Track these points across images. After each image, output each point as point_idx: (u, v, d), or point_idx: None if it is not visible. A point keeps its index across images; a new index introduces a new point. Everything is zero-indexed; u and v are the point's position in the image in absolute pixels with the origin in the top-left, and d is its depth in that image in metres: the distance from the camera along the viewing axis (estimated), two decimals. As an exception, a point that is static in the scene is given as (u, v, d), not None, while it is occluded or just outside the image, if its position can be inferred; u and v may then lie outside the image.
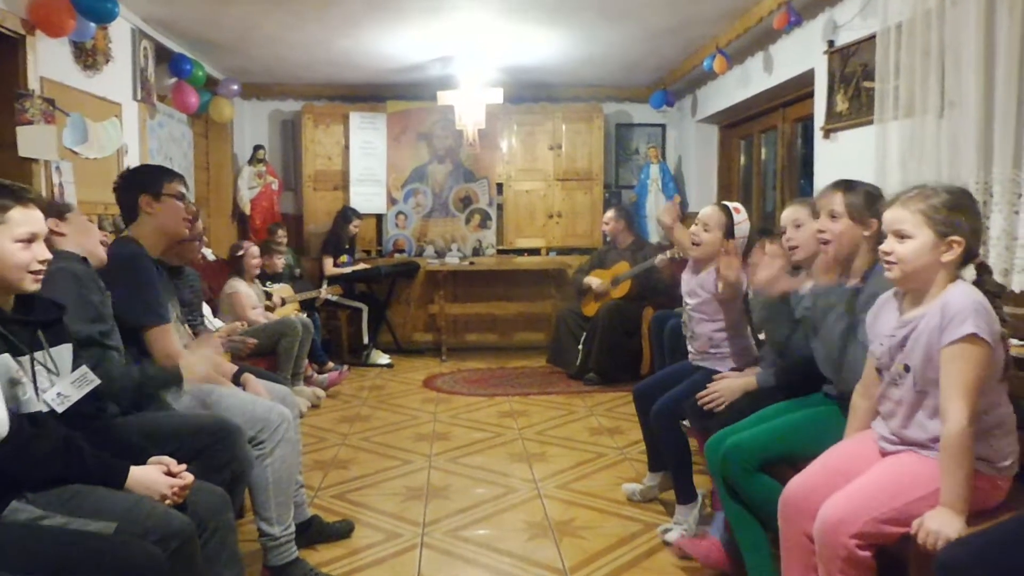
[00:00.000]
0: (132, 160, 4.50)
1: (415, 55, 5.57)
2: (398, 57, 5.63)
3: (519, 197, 6.91)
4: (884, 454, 1.93)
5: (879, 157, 3.17)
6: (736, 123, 6.11)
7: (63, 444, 1.68)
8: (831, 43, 3.96)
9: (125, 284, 2.30)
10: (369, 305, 6.20)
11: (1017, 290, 2.53)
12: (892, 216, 1.82)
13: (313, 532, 2.75)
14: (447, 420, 4.50)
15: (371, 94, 6.73)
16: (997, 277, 2.54)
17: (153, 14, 4.53)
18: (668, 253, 5.00)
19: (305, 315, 5.20)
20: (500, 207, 6.91)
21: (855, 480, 1.84)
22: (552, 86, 6.73)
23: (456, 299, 6.64)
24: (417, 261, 6.60)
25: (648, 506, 3.13)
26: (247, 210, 6.40)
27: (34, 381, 1.71)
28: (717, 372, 2.86)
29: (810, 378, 2.33)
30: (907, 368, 1.81)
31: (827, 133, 4.03)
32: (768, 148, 5.71)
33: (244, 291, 4.71)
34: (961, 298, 1.72)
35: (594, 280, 5.57)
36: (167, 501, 1.74)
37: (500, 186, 6.89)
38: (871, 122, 3.38)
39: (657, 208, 6.51)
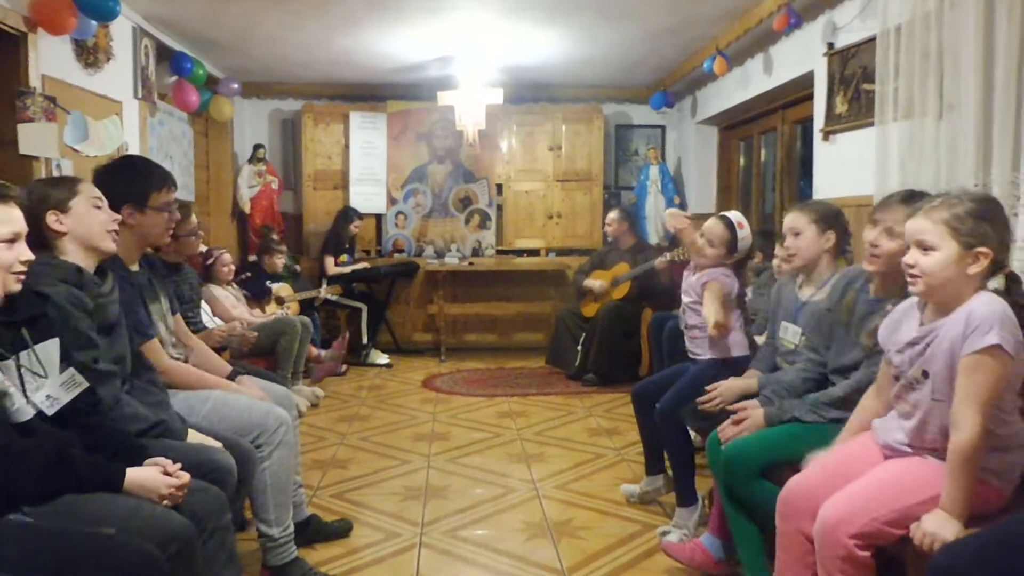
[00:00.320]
0: (132, 159, 4.50)
1: (415, 55, 5.58)
2: (398, 57, 5.63)
3: (519, 198, 6.91)
4: (887, 457, 1.93)
5: (879, 159, 3.17)
6: (736, 124, 6.12)
7: (55, 455, 1.65)
8: (831, 45, 3.97)
9: None
10: (368, 305, 6.20)
11: (998, 288, 2.52)
12: (914, 226, 1.75)
13: (311, 531, 2.75)
14: (446, 420, 4.50)
15: (371, 94, 6.74)
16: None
17: (154, 12, 4.53)
18: (668, 255, 5.03)
19: (301, 314, 5.21)
20: (500, 207, 6.91)
21: (856, 481, 1.84)
22: (552, 87, 6.74)
23: (455, 299, 6.65)
24: (416, 261, 6.60)
25: (646, 507, 3.14)
26: (247, 209, 6.40)
27: (22, 387, 1.68)
28: (712, 359, 2.90)
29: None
30: (925, 374, 1.78)
31: (827, 135, 4.04)
32: (768, 150, 5.72)
33: (220, 295, 4.71)
34: (985, 307, 1.67)
35: (594, 283, 5.57)
36: (165, 501, 1.73)
37: (500, 187, 6.90)
38: (871, 124, 3.39)
39: (656, 209, 6.54)
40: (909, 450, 1.87)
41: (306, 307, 5.57)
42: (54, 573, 1.49)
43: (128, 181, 2.32)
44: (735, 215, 2.98)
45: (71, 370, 1.76)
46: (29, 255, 1.72)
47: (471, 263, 6.59)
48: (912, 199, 2.01)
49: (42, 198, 2.01)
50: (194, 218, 3.37)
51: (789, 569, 1.95)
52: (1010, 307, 1.69)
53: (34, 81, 3.49)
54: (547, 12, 4.55)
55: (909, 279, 1.77)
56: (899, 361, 1.86)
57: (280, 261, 5.52)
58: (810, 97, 4.33)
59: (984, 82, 2.64)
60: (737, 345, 2.94)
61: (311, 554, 2.66)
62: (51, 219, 2.00)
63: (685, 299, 3.04)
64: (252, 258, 6.10)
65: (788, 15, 4.06)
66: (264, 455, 2.37)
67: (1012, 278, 1.84)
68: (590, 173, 6.90)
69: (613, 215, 5.68)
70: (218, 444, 2.12)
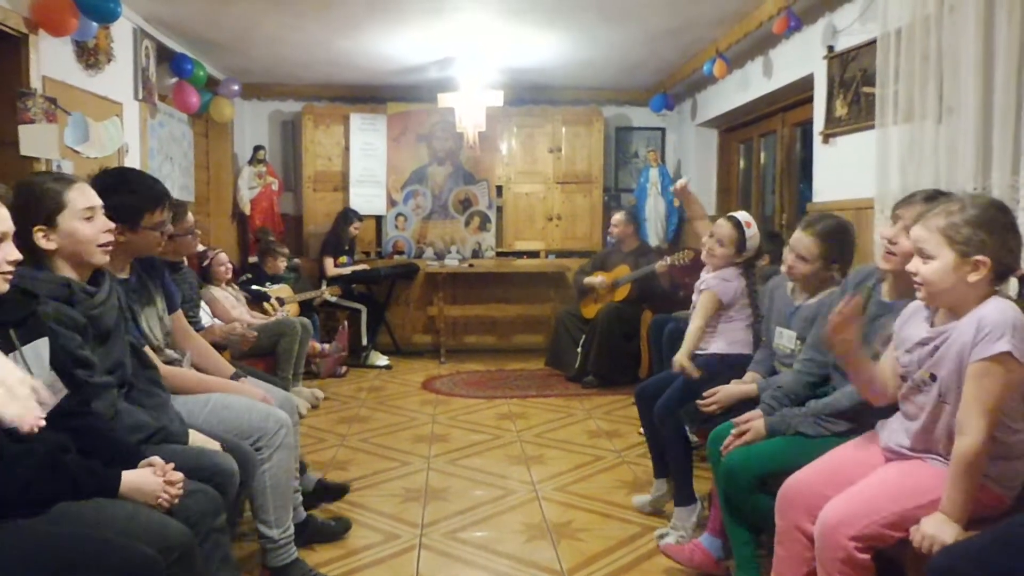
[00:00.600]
0: (132, 161, 4.50)
1: (415, 57, 5.58)
2: (398, 58, 5.64)
3: (518, 199, 6.92)
4: (888, 460, 1.93)
5: (880, 162, 3.18)
6: (735, 127, 6.13)
7: (49, 460, 1.62)
8: (831, 48, 3.97)
9: None
10: (368, 306, 6.20)
11: (1013, 295, 2.53)
12: (915, 234, 1.76)
13: (310, 532, 2.76)
14: (446, 422, 4.50)
15: (371, 95, 6.74)
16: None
17: (155, 14, 4.54)
18: (668, 260, 5.04)
19: (301, 315, 5.22)
20: (499, 209, 6.92)
21: (857, 483, 1.85)
22: (552, 89, 6.75)
23: (455, 301, 6.65)
24: (416, 263, 6.60)
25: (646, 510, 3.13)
26: (247, 210, 6.40)
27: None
28: (714, 354, 2.92)
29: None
30: (933, 377, 1.77)
31: (826, 138, 4.04)
32: (767, 152, 5.73)
33: (220, 296, 4.72)
34: (998, 314, 1.65)
35: (595, 279, 5.58)
36: (160, 501, 1.72)
37: (500, 188, 6.90)
38: (870, 127, 3.39)
39: (656, 211, 6.54)
40: (911, 453, 1.88)
41: (306, 308, 5.57)
42: (54, 574, 1.49)
43: (121, 200, 2.24)
44: (743, 215, 3.05)
45: (53, 373, 1.73)
46: (17, 255, 1.67)
47: (471, 265, 6.59)
48: (934, 199, 1.98)
49: (30, 208, 1.89)
50: (191, 216, 3.36)
51: (786, 565, 1.96)
52: (1020, 311, 1.68)
53: (35, 82, 3.49)
54: (547, 14, 4.55)
55: (915, 287, 1.78)
56: (907, 361, 1.86)
57: (282, 264, 5.52)
58: (810, 100, 4.34)
59: (984, 85, 2.65)
60: (740, 343, 2.96)
61: (311, 555, 2.66)
62: (38, 236, 1.89)
63: (695, 297, 3.10)
64: (252, 259, 6.11)
65: (788, 18, 4.07)
66: (264, 457, 2.37)
67: None
68: (590, 175, 6.91)
69: (620, 216, 5.68)
70: (218, 445, 2.12)
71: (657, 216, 6.54)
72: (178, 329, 2.66)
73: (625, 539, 2.84)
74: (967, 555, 1.55)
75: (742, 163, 6.24)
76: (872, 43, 3.36)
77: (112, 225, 2.04)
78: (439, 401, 5.03)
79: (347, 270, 6.22)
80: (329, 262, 6.17)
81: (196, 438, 2.11)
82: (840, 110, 3.91)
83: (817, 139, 4.15)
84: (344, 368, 5.79)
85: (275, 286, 5.39)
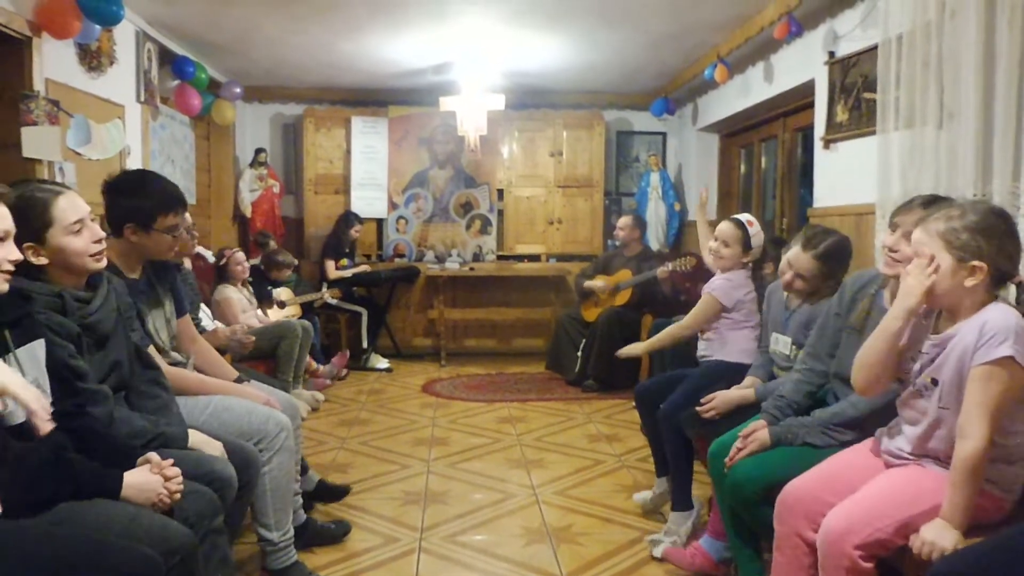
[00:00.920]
0: (134, 163, 4.51)
1: (417, 60, 5.59)
2: (400, 62, 5.65)
3: (519, 203, 6.93)
4: (889, 464, 1.93)
5: (881, 168, 3.18)
6: (736, 132, 6.13)
7: (52, 458, 1.63)
8: (832, 54, 3.98)
9: None
10: (369, 309, 6.20)
11: (1012, 300, 2.53)
12: (915, 238, 1.79)
13: (310, 534, 2.76)
14: (446, 425, 4.50)
15: (373, 98, 6.75)
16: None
17: (157, 16, 4.55)
18: (670, 265, 5.04)
19: (302, 318, 5.22)
20: (500, 213, 6.92)
21: (859, 491, 1.84)
22: (553, 93, 6.76)
23: (456, 304, 6.65)
24: (417, 266, 6.61)
25: (647, 513, 3.13)
26: (248, 213, 6.41)
27: None
28: (719, 361, 2.92)
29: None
30: (935, 382, 1.79)
31: (827, 143, 4.05)
32: (768, 157, 5.73)
33: (234, 297, 4.73)
34: (1000, 319, 1.67)
35: (596, 283, 5.58)
36: (161, 498, 1.72)
37: (500, 192, 6.91)
38: (871, 132, 3.39)
39: (657, 216, 6.55)
40: (911, 458, 1.88)
41: (306, 310, 5.58)
42: (54, 574, 1.49)
43: (136, 199, 2.31)
44: (744, 215, 3.09)
45: (44, 375, 1.72)
46: (17, 255, 1.67)
47: (472, 268, 6.59)
48: (933, 204, 2.01)
49: (20, 224, 1.78)
50: (188, 216, 3.36)
51: (786, 572, 1.95)
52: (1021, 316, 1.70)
53: (38, 85, 3.50)
54: (548, 18, 4.56)
55: None
56: (908, 368, 1.86)
57: (287, 273, 5.51)
58: (811, 105, 4.34)
59: (985, 91, 2.65)
60: (748, 352, 2.94)
61: (310, 558, 2.66)
62: (28, 253, 1.85)
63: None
64: (253, 262, 6.10)
65: (789, 24, 4.07)
66: (264, 460, 2.37)
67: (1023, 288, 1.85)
68: (591, 179, 6.91)
69: (627, 220, 5.68)
70: (219, 447, 2.11)
71: (658, 220, 6.55)
72: (184, 333, 2.66)
73: (625, 543, 2.84)
74: (967, 562, 1.55)
75: (743, 168, 6.24)
76: (873, 49, 3.37)
77: (103, 234, 2.00)
78: (439, 404, 5.03)
79: (348, 273, 6.22)
80: (330, 265, 6.18)
81: (196, 438, 2.10)
82: (841, 115, 3.91)
83: (818, 144, 4.15)
84: (345, 371, 5.79)
85: (276, 288, 5.39)
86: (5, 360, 1.65)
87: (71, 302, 1.91)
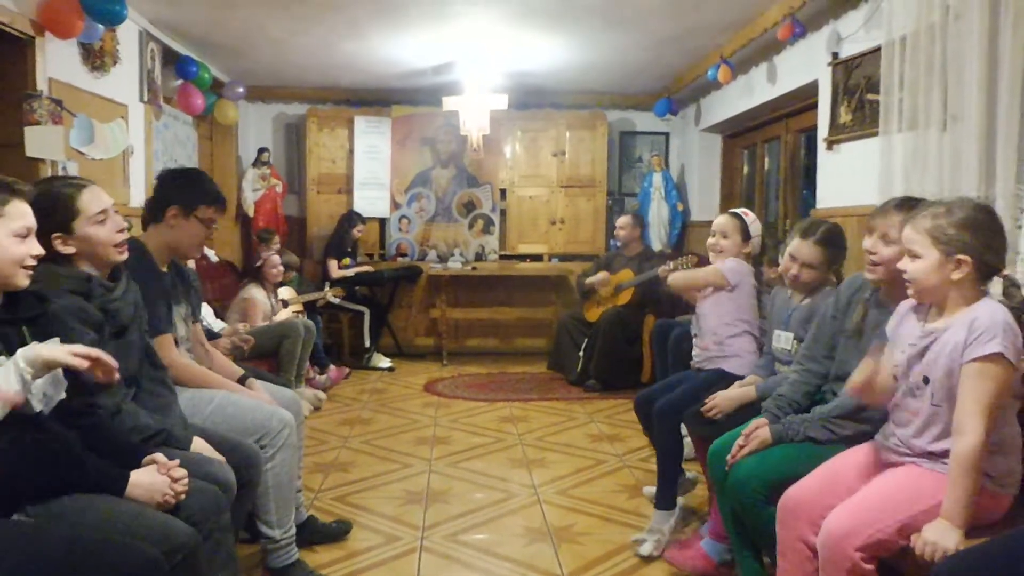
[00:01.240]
0: (137, 163, 4.52)
1: (420, 60, 5.60)
2: (403, 62, 5.65)
3: (522, 203, 6.93)
4: (887, 465, 1.93)
5: (884, 169, 3.18)
6: (739, 133, 6.13)
7: (65, 450, 1.66)
8: (835, 55, 3.98)
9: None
10: (371, 309, 6.21)
11: (998, 294, 2.53)
12: (905, 235, 1.85)
13: (310, 532, 2.76)
14: (447, 424, 4.51)
15: (376, 98, 6.76)
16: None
17: (160, 16, 4.56)
18: (671, 264, 5.02)
19: (305, 316, 5.23)
20: (503, 213, 6.93)
21: (858, 493, 1.85)
22: (556, 93, 6.76)
23: (458, 304, 6.65)
24: (419, 265, 6.61)
25: (647, 513, 3.12)
26: (251, 212, 6.41)
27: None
28: (722, 372, 2.89)
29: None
30: (926, 380, 1.81)
31: (830, 144, 4.04)
32: (771, 158, 5.73)
33: (261, 300, 4.76)
34: (989, 316, 1.71)
35: (597, 277, 5.57)
36: (166, 498, 1.73)
37: (503, 192, 6.91)
38: (874, 134, 3.39)
39: (660, 216, 6.55)
40: (908, 458, 1.88)
41: (309, 310, 5.58)
42: (55, 574, 1.49)
43: (185, 185, 2.50)
44: (739, 209, 3.11)
45: (58, 371, 1.73)
46: (39, 250, 1.74)
47: (474, 268, 6.60)
48: (906, 205, 2.06)
49: (47, 216, 1.91)
50: None
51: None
52: (1011, 313, 1.74)
53: (41, 84, 3.51)
54: (551, 19, 4.56)
55: (904, 283, 1.86)
56: (899, 360, 1.89)
57: (290, 274, 5.52)
58: (814, 106, 4.34)
59: (988, 93, 2.65)
60: (746, 365, 2.91)
61: (311, 557, 2.67)
62: (56, 243, 1.98)
63: (698, 307, 3.09)
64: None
65: (792, 25, 4.07)
66: (267, 456, 2.37)
67: (1009, 281, 1.90)
68: (593, 179, 6.91)
69: (627, 219, 5.67)
70: (221, 458, 2.09)
71: (660, 221, 6.55)
72: (194, 336, 2.70)
73: (626, 543, 2.83)
74: (968, 563, 1.55)
75: (746, 169, 6.25)
76: (877, 50, 3.37)
77: (125, 224, 2.12)
78: (441, 404, 5.03)
79: (350, 272, 6.23)
80: (333, 264, 6.18)
81: (199, 446, 2.10)
82: (844, 117, 3.91)
83: (821, 145, 4.15)
84: (347, 370, 5.79)
85: (279, 288, 5.40)
86: None
87: (97, 287, 2.01)
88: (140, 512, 1.68)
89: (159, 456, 1.81)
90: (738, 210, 3.10)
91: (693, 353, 3.10)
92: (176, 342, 2.48)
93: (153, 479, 1.75)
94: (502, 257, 6.87)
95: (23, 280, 1.70)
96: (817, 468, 2.02)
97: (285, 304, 5.28)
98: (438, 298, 6.48)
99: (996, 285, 1.86)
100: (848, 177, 3.87)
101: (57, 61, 3.64)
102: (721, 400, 2.63)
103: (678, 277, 3.22)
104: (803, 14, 4.05)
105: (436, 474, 3.61)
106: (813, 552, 1.86)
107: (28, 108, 3.40)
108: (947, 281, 1.77)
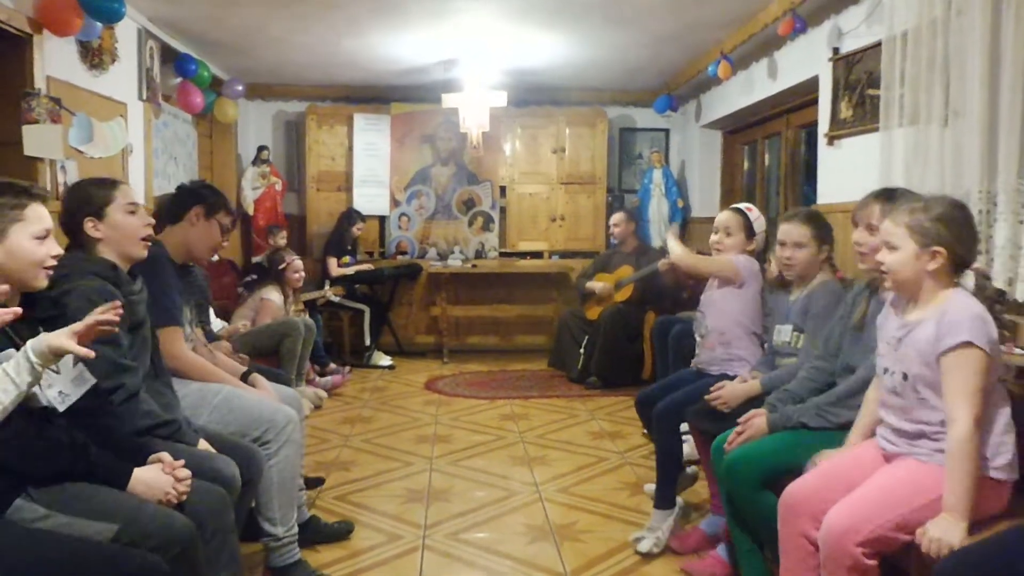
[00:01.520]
0: (137, 161, 4.51)
1: (419, 57, 5.58)
2: (402, 59, 5.64)
3: (522, 200, 6.92)
4: (886, 457, 1.95)
5: (884, 165, 3.17)
6: (740, 129, 6.12)
7: (69, 439, 1.70)
8: (836, 50, 3.97)
9: (146, 285, 2.31)
10: (371, 307, 6.20)
11: (1021, 299, 2.53)
12: (884, 229, 1.93)
13: (312, 532, 2.75)
14: (448, 422, 4.50)
15: (375, 96, 6.74)
16: (1002, 286, 2.55)
17: (159, 14, 4.54)
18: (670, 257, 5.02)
19: (307, 315, 5.22)
20: (503, 210, 6.91)
21: (858, 488, 1.85)
22: (556, 89, 6.74)
23: (458, 301, 6.64)
24: (419, 263, 6.60)
25: (649, 510, 3.11)
26: (250, 211, 6.40)
27: None
28: (723, 374, 2.87)
29: None
30: (905, 377, 1.87)
31: (831, 140, 4.03)
32: (772, 154, 5.72)
33: (277, 303, 4.76)
34: (958, 310, 1.79)
35: (597, 284, 5.57)
36: (169, 498, 1.75)
37: (503, 189, 6.89)
38: (875, 129, 3.38)
39: (660, 213, 6.53)
40: (905, 452, 1.90)
41: (309, 308, 5.57)
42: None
43: (210, 191, 2.70)
44: (742, 204, 3.08)
45: (81, 365, 1.80)
46: (58, 250, 1.81)
47: (474, 265, 6.59)
48: (884, 195, 2.22)
49: (82, 201, 2.14)
50: None
51: (792, 573, 1.95)
52: (983, 304, 1.83)
53: (39, 82, 3.49)
54: (551, 15, 4.55)
55: (882, 274, 1.95)
56: (883, 351, 1.96)
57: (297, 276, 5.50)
58: (814, 102, 4.32)
59: (990, 89, 2.64)
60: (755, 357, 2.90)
61: (313, 556, 2.66)
62: (88, 225, 2.11)
63: (700, 302, 3.06)
64: (256, 259, 6.12)
65: (793, 20, 4.06)
66: (271, 452, 2.38)
67: (980, 274, 2.00)
68: (593, 176, 6.90)
69: (620, 216, 5.68)
70: (276, 398, 2.21)
71: (660, 217, 6.53)
72: (197, 339, 2.71)
73: (628, 541, 2.83)
74: (971, 560, 1.56)
75: (746, 164, 6.23)
76: (878, 45, 3.35)
77: (151, 221, 2.26)
78: (442, 401, 5.02)
79: (350, 270, 6.22)
80: (332, 262, 6.17)
81: (203, 446, 2.12)
82: (845, 112, 3.90)
83: (822, 141, 4.14)
84: (348, 368, 5.78)
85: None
86: None
87: (123, 275, 2.12)
88: (141, 504, 1.70)
89: (165, 455, 1.83)
90: (742, 205, 3.06)
91: (696, 352, 3.07)
92: (187, 338, 2.53)
93: (156, 477, 1.76)
94: (502, 254, 6.86)
95: (43, 281, 1.78)
96: (818, 465, 2.04)
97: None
98: (438, 296, 6.47)
99: (969, 278, 1.95)
100: (849, 172, 3.86)
101: (55, 59, 3.63)
102: (727, 391, 2.61)
103: (686, 256, 3.12)
104: (804, 9, 4.04)
105: (437, 472, 3.61)
106: (815, 547, 1.87)
107: (26, 107, 3.39)
108: (923, 272, 1.85)
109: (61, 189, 3.59)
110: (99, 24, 3.72)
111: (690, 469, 3.14)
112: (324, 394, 4.95)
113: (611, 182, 7.04)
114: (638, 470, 3.62)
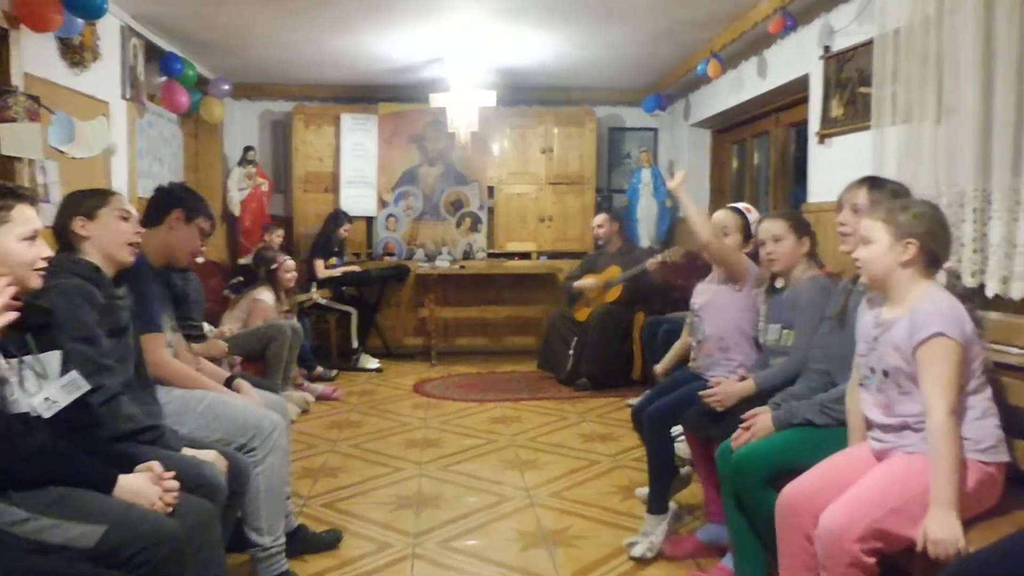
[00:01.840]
0: (120, 161, 4.42)
1: (408, 56, 5.53)
2: (391, 58, 5.58)
3: (510, 200, 6.87)
4: (877, 456, 1.96)
5: (876, 162, 3.15)
6: (729, 128, 6.10)
7: (52, 444, 1.68)
8: (827, 48, 3.94)
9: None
10: (358, 309, 6.13)
11: (1017, 297, 2.51)
12: (863, 225, 1.99)
13: (300, 542, 2.69)
14: (438, 426, 4.45)
15: (363, 95, 6.68)
16: (997, 285, 2.55)
17: (143, 11, 4.46)
18: (659, 256, 5.00)
19: (295, 318, 5.16)
20: (491, 210, 6.87)
21: (851, 488, 1.85)
22: (545, 89, 6.70)
23: (446, 303, 6.59)
24: (407, 264, 6.54)
25: (642, 514, 3.06)
26: (236, 211, 6.33)
27: (21, 383, 1.72)
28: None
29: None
30: (886, 373, 1.91)
31: (822, 138, 4.01)
32: (761, 153, 5.70)
33: (269, 304, 4.71)
34: (928, 305, 1.84)
35: (586, 282, 5.53)
36: (156, 507, 1.72)
37: (491, 189, 6.85)
38: (866, 128, 3.36)
39: (649, 212, 6.50)
40: (892, 448, 1.92)
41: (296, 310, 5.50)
42: None
43: (190, 195, 2.66)
44: (740, 204, 3.06)
45: (74, 373, 1.81)
46: (48, 252, 1.80)
47: (462, 266, 6.53)
48: (870, 180, 2.29)
49: (74, 205, 2.16)
50: None
51: (791, 573, 1.95)
52: (956, 299, 1.87)
53: (16, 80, 3.39)
54: (540, 14, 4.51)
55: (857, 268, 2.01)
56: (863, 350, 1.99)
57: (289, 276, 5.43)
58: (804, 100, 4.31)
59: (983, 87, 2.62)
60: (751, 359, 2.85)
61: (302, 566, 2.60)
62: (77, 224, 2.12)
63: (699, 300, 2.97)
64: (242, 261, 6.04)
65: (784, 18, 4.04)
66: (258, 460, 2.34)
67: (953, 274, 2.10)
68: (582, 176, 6.86)
69: (603, 217, 5.67)
70: (211, 454, 2.09)
71: (649, 217, 6.50)
72: (179, 344, 2.66)
73: (622, 546, 2.78)
74: (978, 564, 1.55)
75: (735, 164, 6.22)
76: (868, 44, 3.34)
77: (141, 229, 2.26)
78: (430, 405, 4.97)
79: (337, 272, 6.15)
80: (319, 264, 6.10)
81: (188, 454, 2.08)
82: (836, 110, 3.88)
83: (813, 139, 4.12)
84: (334, 372, 5.72)
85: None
86: (32, 362, 1.76)
87: (105, 278, 2.11)
88: (129, 507, 1.68)
89: (155, 464, 1.81)
90: (740, 205, 3.02)
91: (692, 356, 3.02)
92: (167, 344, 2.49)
93: (144, 486, 1.74)
94: (490, 255, 6.81)
95: (36, 282, 1.77)
96: (816, 465, 2.03)
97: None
98: (426, 297, 6.42)
99: (940, 276, 1.98)
100: (840, 171, 3.82)
101: (34, 56, 3.54)
102: (722, 391, 2.58)
103: (699, 216, 2.85)
104: (795, 7, 4.02)
105: (427, 478, 3.55)
106: (814, 546, 1.86)
107: (2, 104, 3.30)
108: (895, 265, 1.90)
109: (40, 190, 3.52)
110: (80, 20, 3.64)
111: (684, 470, 3.11)
112: (311, 398, 4.90)
113: (600, 182, 7.00)
114: (630, 473, 3.58)
